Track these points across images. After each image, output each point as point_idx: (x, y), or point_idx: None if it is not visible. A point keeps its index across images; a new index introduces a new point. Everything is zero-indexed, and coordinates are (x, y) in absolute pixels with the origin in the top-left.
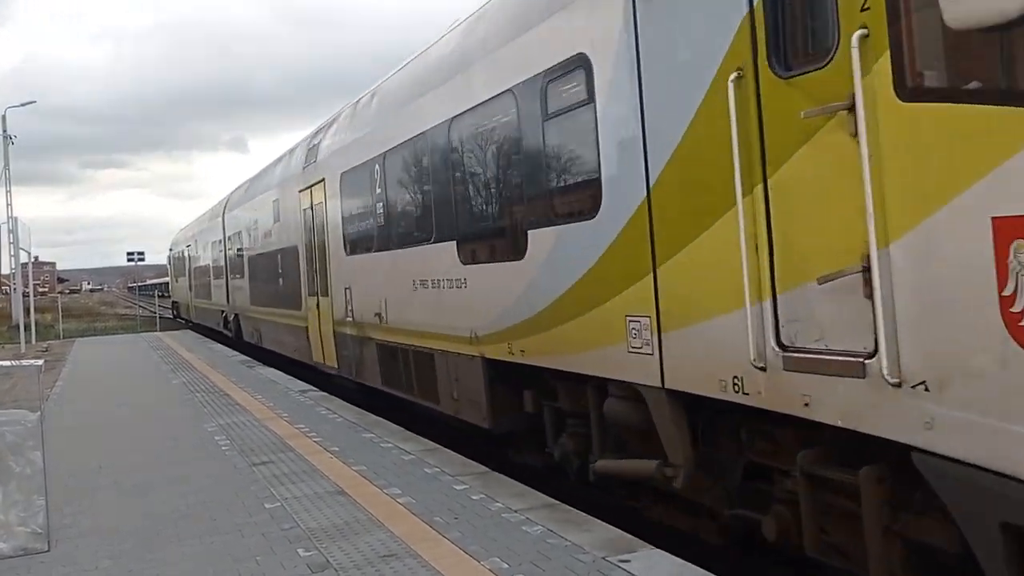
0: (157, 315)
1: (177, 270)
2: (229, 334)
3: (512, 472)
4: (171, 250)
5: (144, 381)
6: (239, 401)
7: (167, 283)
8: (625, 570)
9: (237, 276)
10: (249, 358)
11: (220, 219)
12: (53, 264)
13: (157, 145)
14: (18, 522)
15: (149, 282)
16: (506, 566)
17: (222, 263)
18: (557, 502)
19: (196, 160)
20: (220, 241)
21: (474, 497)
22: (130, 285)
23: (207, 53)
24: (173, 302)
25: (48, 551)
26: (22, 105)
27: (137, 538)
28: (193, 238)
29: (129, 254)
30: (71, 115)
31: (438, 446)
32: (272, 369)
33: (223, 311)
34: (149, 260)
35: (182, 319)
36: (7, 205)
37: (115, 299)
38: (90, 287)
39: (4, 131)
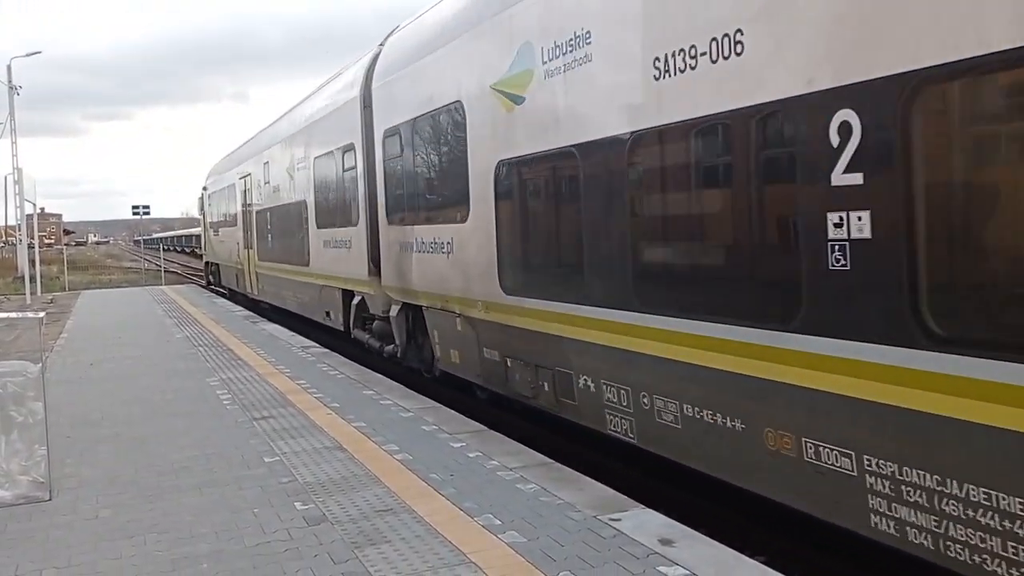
0: (163, 269)
1: (220, 216)
2: (374, 345)
3: (510, 431)
4: (206, 190)
5: (148, 335)
6: (241, 356)
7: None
8: (615, 528)
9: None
10: (253, 313)
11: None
12: (59, 216)
13: (161, 98)
14: (20, 471)
15: (155, 235)
16: (499, 522)
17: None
18: (551, 461)
19: (200, 113)
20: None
21: (470, 455)
22: (136, 239)
23: (213, 5)
24: (208, 263)
25: (49, 500)
26: (28, 56)
27: (137, 488)
28: (265, 156)
29: (134, 207)
30: (77, 66)
31: (437, 404)
32: (275, 325)
33: (362, 292)
34: (155, 214)
35: (223, 290)
36: (12, 156)
37: (121, 252)
38: (96, 239)
39: (9, 82)
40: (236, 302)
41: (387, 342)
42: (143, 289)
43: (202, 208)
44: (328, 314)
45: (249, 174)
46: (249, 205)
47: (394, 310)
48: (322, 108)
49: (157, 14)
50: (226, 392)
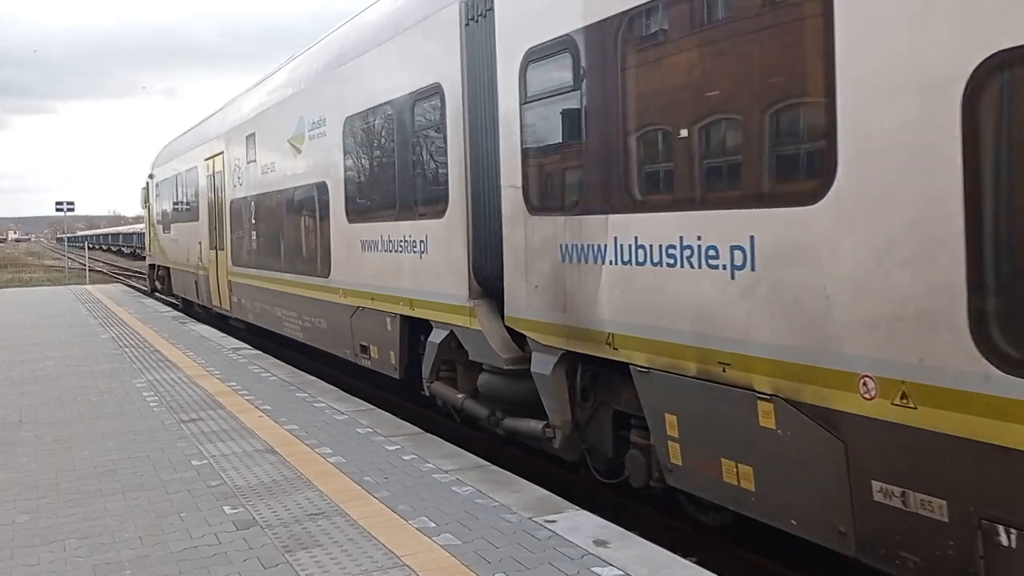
0: (87, 267)
1: (173, 209)
2: (478, 412)
3: (446, 434)
4: (152, 178)
5: (71, 335)
6: (170, 357)
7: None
8: (550, 530)
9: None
10: (182, 314)
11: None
12: None
13: (86, 93)
14: None
15: (80, 233)
16: (433, 525)
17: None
18: (487, 463)
19: (128, 109)
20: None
21: (406, 457)
22: (59, 236)
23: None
24: (155, 267)
25: None
26: None
27: (57, 493)
28: (248, 127)
29: (58, 204)
30: None
31: (372, 406)
32: (205, 326)
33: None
34: (79, 211)
35: (174, 300)
36: None
37: (43, 250)
38: (16, 237)
39: None
40: (193, 315)
41: (512, 412)
42: (66, 288)
43: (146, 201)
44: (366, 350)
45: (220, 153)
46: (219, 193)
47: (541, 362)
48: (360, 43)
49: (83, 5)
50: (153, 394)
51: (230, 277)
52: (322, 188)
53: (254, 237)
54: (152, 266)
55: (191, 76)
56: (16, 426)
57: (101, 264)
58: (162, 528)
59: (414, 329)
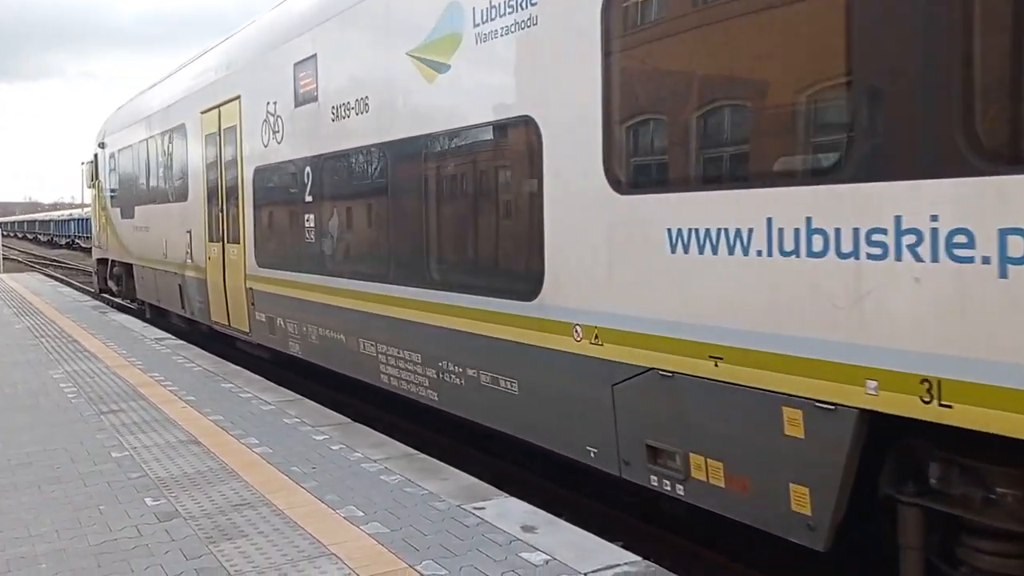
0: (0, 256)
1: (138, 187)
2: None
3: (375, 424)
4: (103, 148)
5: None
6: (89, 348)
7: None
8: (478, 516)
9: None
10: (102, 304)
11: None
12: None
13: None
14: None
15: None
16: (361, 514)
17: None
18: (416, 452)
19: (43, 91)
20: None
21: (333, 447)
22: None
23: None
24: (107, 262)
25: None
26: None
27: None
28: (309, 45)
29: None
30: None
31: (299, 396)
32: (126, 316)
33: None
34: None
35: (131, 305)
36: None
37: None
38: None
39: None
40: (166, 327)
41: None
42: None
43: (93, 178)
44: (670, 464)
45: (231, 100)
46: (230, 160)
47: None
48: None
49: None
50: (71, 385)
51: (252, 284)
52: (523, 130)
53: (313, 225)
54: (102, 261)
55: (111, 58)
56: None
57: (16, 252)
58: (80, 521)
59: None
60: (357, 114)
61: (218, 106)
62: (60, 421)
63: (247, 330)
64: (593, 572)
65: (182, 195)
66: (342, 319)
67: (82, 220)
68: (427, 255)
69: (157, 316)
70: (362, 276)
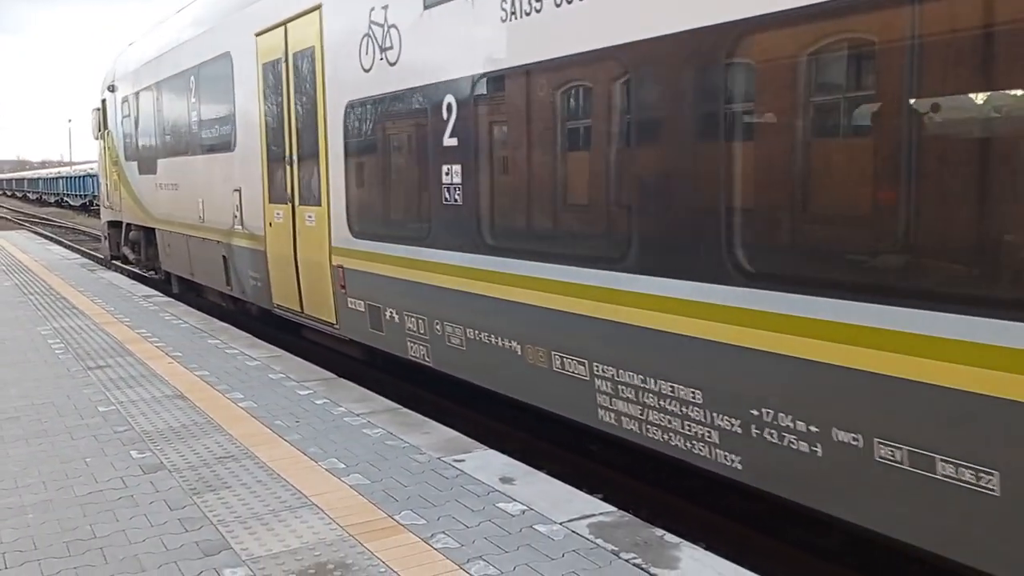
0: None
1: (178, 132)
2: None
3: (361, 379)
4: (113, 92)
5: None
6: (77, 305)
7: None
8: (458, 468)
9: None
10: (91, 261)
11: None
12: None
13: None
14: None
15: None
16: (343, 466)
17: None
18: (399, 406)
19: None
20: None
21: (317, 402)
22: None
23: None
24: (122, 226)
25: None
26: None
27: None
28: None
29: None
30: None
31: (285, 352)
32: (115, 273)
33: None
34: None
35: (153, 275)
36: None
37: None
38: None
39: None
40: (200, 306)
41: None
42: None
43: (101, 128)
44: None
45: (310, 11)
46: (304, 97)
47: None
48: None
49: None
50: (59, 341)
51: (342, 260)
52: None
53: (458, 180)
54: (115, 224)
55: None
56: None
57: (4, 210)
58: (66, 473)
59: None
60: (565, 2)
61: (283, 23)
62: (48, 376)
63: (333, 321)
64: (568, 521)
65: (226, 144)
66: (518, 320)
67: (71, 178)
68: (737, 228)
69: (187, 291)
70: (566, 259)
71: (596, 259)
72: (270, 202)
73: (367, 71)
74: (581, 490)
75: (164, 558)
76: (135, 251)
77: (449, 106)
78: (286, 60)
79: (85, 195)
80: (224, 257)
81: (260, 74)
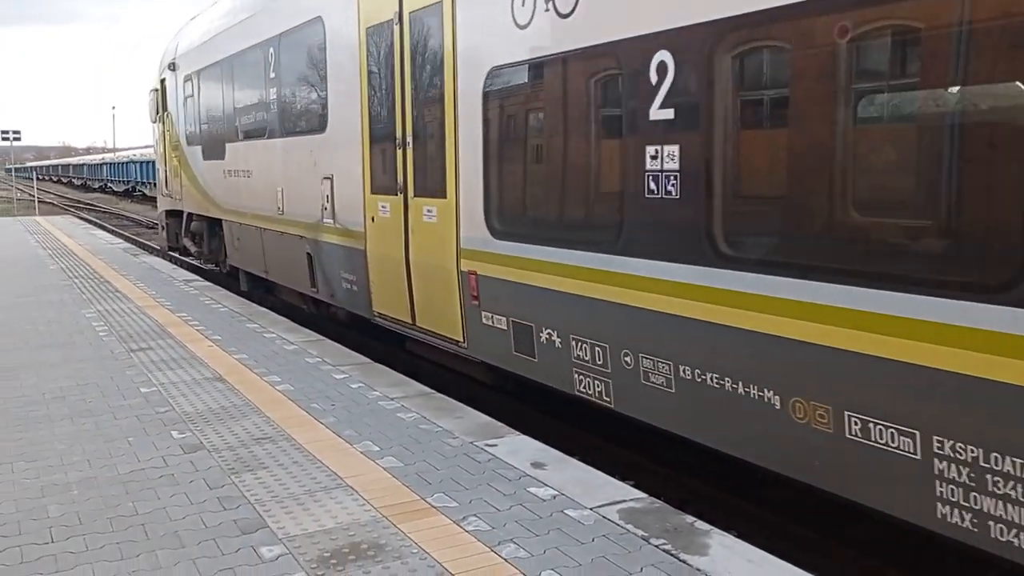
0: (36, 199)
1: (256, 112)
2: None
3: (394, 365)
4: (174, 71)
5: (19, 266)
6: (120, 288)
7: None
8: (490, 453)
9: None
10: (133, 246)
11: None
12: None
13: (22, 18)
14: None
15: (29, 164)
16: (377, 449)
17: None
18: (433, 391)
19: (68, 36)
20: None
21: (353, 386)
22: (7, 167)
23: None
24: (181, 216)
25: None
26: None
27: (5, 418)
28: None
29: (3, 132)
30: None
31: (322, 337)
32: (156, 258)
33: None
34: (27, 141)
35: (214, 267)
36: None
37: None
38: None
39: None
40: (276, 306)
41: None
42: (14, 220)
43: (160, 110)
44: None
45: None
46: (432, 67)
47: None
48: None
49: None
50: (103, 324)
51: (475, 266)
52: None
53: (689, 165)
54: (173, 214)
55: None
56: None
57: (51, 196)
58: (110, 452)
59: None
60: None
61: None
62: (92, 357)
63: (458, 338)
64: (599, 507)
65: (314, 125)
66: (778, 363)
67: (114, 164)
68: None
69: (256, 287)
70: (880, 280)
71: (951, 283)
72: (373, 193)
73: (523, 27)
74: (612, 476)
75: (203, 535)
76: (197, 243)
77: (662, 67)
78: (400, 21)
79: (128, 181)
80: (309, 255)
81: (363, 40)
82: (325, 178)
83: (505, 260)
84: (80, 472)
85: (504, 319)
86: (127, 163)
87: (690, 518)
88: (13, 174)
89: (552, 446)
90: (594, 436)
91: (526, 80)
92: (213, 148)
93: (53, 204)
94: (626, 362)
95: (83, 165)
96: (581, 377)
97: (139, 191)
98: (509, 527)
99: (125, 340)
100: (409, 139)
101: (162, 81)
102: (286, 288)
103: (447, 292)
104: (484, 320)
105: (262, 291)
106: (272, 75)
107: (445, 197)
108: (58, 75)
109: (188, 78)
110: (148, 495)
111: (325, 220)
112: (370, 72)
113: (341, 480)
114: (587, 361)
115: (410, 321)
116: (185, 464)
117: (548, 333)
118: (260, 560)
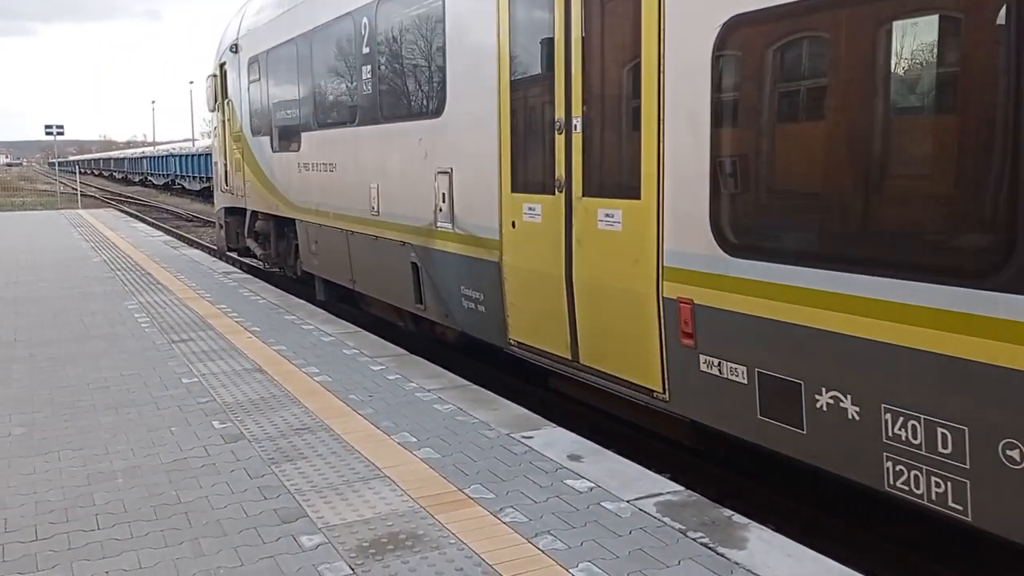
0: (79, 192)
1: (344, 97)
2: None
3: (432, 356)
4: (236, 52)
5: (63, 258)
6: (161, 280)
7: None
8: (526, 445)
9: None
10: (173, 238)
11: None
12: None
13: (65, 14)
14: None
15: (71, 158)
16: (414, 440)
17: None
18: (469, 383)
19: (110, 32)
20: None
21: (390, 377)
22: (50, 161)
23: None
24: (244, 213)
25: None
26: None
27: (52, 408)
28: None
29: (47, 127)
30: None
31: (359, 329)
32: (196, 250)
33: None
34: (69, 135)
35: (287, 273)
36: None
37: (35, 174)
38: (7, 161)
39: None
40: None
41: None
42: (58, 212)
43: (220, 98)
44: None
45: None
46: (624, 30)
47: None
48: None
49: None
50: (145, 315)
51: (688, 291)
52: None
53: None
54: (233, 211)
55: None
56: (11, 344)
57: (93, 189)
58: (153, 441)
59: None
60: None
61: None
62: (134, 348)
63: (658, 389)
64: (635, 500)
65: (426, 108)
66: None
67: (154, 158)
68: None
69: (335, 297)
70: None
71: None
72: (515, 191)
73: None
74: (649, 469)
75: (244, 524)
76: (262, 245)
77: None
78: None
79: (167, 175)
80: (415, 265)
81: (500, 2)
82: (441, 172)
83: (750, 287)
84: (125, 461)
85: (742, 369)
86: (167, 156)
87: (728, 511)
88: (57, 168)
89: (586, 438)
90: (629, 428)
91: (792, 29)
92: (285, 138)
93: (95, 197)
94: (1007, 457)
95: (124, 159)
96: (901, 468)
97: (178, 184)
98: (546, 519)
99: (166, 331)
100: (576, 121)
101: (221, 66)
102: (377, 301)
103: (638, 325)
104: (703, 367)
105: (341, 300)
106: (366, 50)
107: (638, 198)
108: (98, 69)
109: (253, 60)
110: (190, 484)
111: (440, 224)
112: (514, 35)
113: (379, 471)
114: (916, 446)
115: (569, 357)
116: (226, 453)
117: (833, 397)
118: (300, 549)
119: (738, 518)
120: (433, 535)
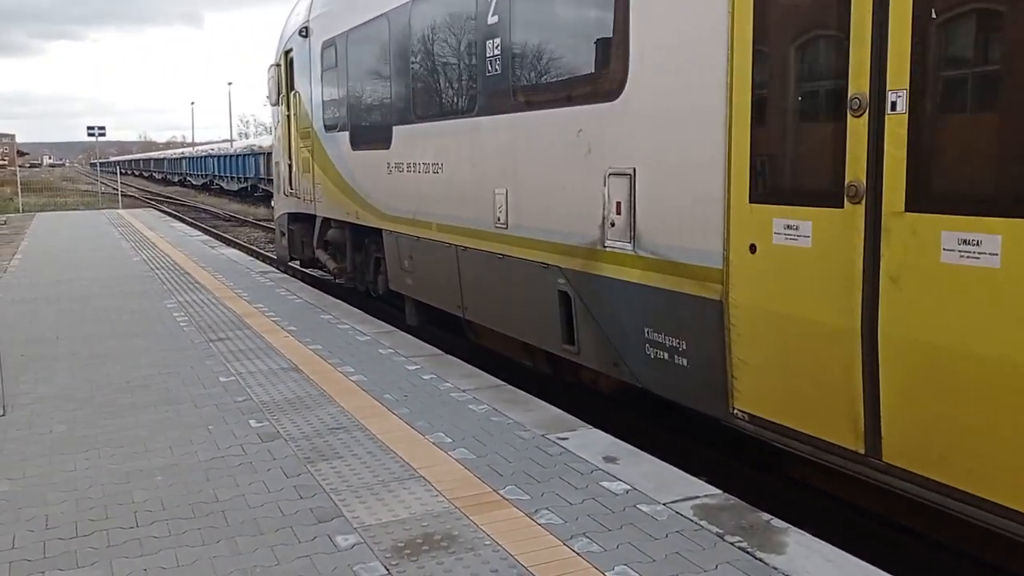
0: (120, 192)
1: (464, 86)
2: None
3: (467, 356)
4: (307, 36)
5: (104, 257)
6: (199, 280)
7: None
8: (562, 446)
9: None
10: (211, 238)
11: None
12: (12, 136)
13: (108, 18)
14: None
15: (112, 159)
16: (449, 440)
17: None
18: (503, 384)
19: (150, 36)
20: None
21: (425, 377)
22: (92, 162)
23: None
24: (313, 220)
25: (3, 415)
26: None
27: (92, 405)
28: None
29: (89, 128)
30: None
31: (394, 328)
32: (233, 250)
33: None
34: (111, 137)
35: (369, 291)
36: None
37: (77, 175)
38: (51, 162)
39: None
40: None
41: None
42: (99, 212)
43: (284, 90)
44: None
45: None
46: None
47: None
48: None
49: None
50: (183, 314)
51: None
52: None
53: None
54: (299, 218)
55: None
56: (53, 342)
57: (133, 189)
58: (191, 439)
59: None
60: None
61: None
62: (173, 347)
63: None
64: (672, 503)
65: (589, 90)
66: None
67: (193, 159)
68: None
69: (429, 322)
70: None
71: None
72: (756, 200)
73: None
74: (685, 472)
75: (281, 523)
76: (334, 258)
77: None
78: None
79: (206, 175)
80: (566, 296)
81: None
82: (615, 174)
83: None
84: (163, 459)
85: None
86: (205, 157)
87: (766, 516)
88: (98, 169)
89: (622, 440)
90: (665, 431)
91: None
92: (369, 134)
93: (135, 198)
94: None
95: (163, 159)
96: None
97: (216, 184)
98: (581, 521)
99: (204, 330)
100: (899, 99)
101: (286, 53)
102: (493, 332)
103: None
104: None
105: (435, 324)
106: (492, 19)
107: None
108: (139, 72)
109: (329, 44)
110: (228, 482)
111: (610, 242)
112: None
113: (414, 471)
114: None
115: (860, 451)
116: (263, 452)
117: None
118: (336, 549)
119: (777, 522)
120: (468, 536)
